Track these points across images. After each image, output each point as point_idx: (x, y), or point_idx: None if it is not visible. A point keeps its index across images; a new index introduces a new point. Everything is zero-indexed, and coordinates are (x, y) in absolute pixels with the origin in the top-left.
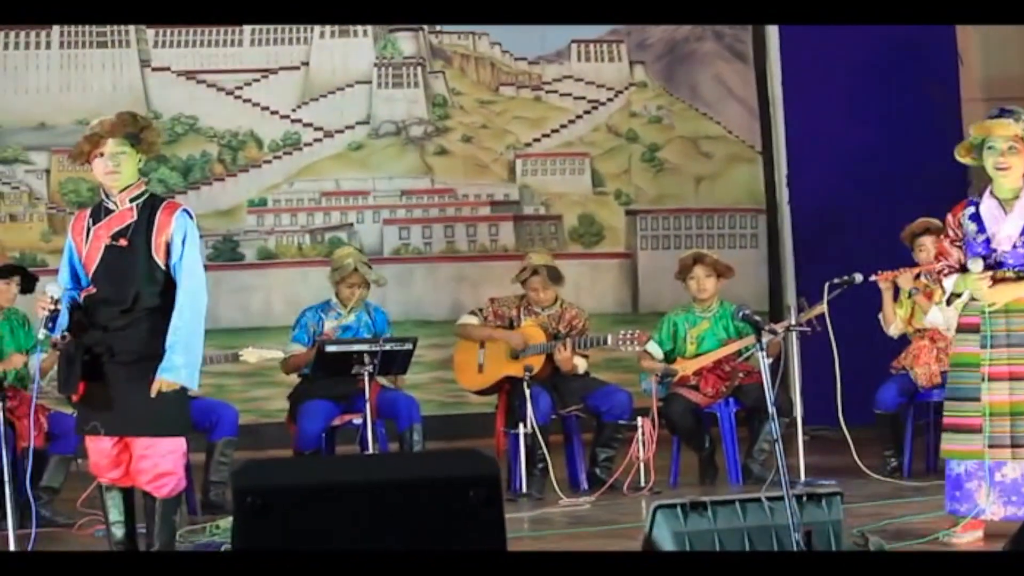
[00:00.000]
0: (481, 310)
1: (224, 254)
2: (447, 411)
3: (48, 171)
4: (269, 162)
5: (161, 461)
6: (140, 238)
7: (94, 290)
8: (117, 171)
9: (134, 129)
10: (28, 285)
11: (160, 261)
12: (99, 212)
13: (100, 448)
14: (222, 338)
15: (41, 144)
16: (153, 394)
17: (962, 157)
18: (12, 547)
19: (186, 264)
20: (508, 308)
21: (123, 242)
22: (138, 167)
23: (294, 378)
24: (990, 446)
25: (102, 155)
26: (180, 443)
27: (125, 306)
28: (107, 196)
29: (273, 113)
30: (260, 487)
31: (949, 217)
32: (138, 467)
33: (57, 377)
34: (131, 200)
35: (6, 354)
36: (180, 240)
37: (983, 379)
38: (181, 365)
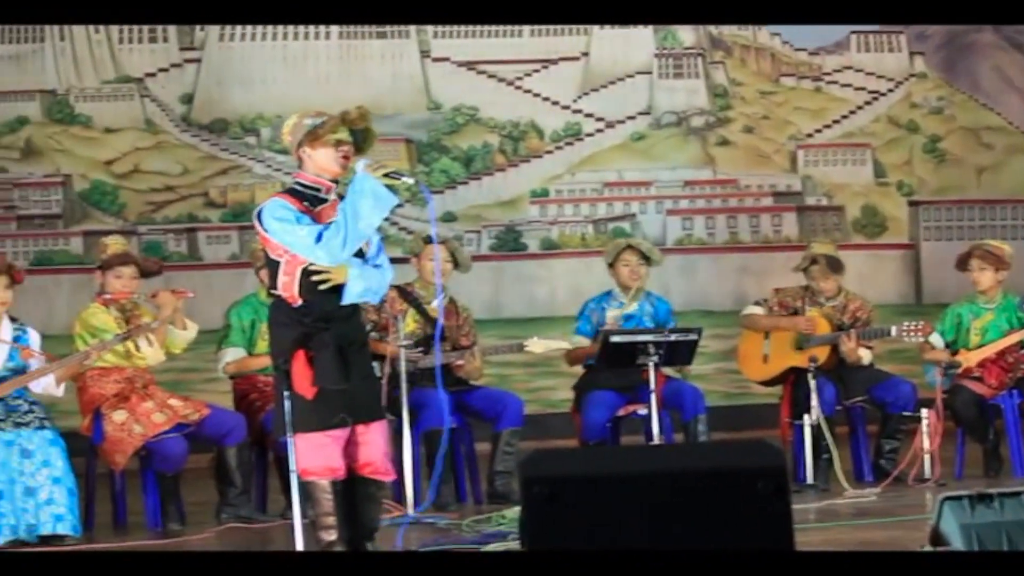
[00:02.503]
0: (766, 300)
1: (507, 244)
2: (731, 402)
3: None
4: (551, 152)
5: (386, 445)
6: None
7: None
8: (348, 161)
9: (363, 125)
10: None
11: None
12: (309, 199)
13: (335, 443)
14: (506, 328)
15: None
16: None
17: None
18: (299, 537)
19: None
20: (792, 299)
21: None
22: None
23: (578, 368)
24: None
25: (340, 142)
26: None
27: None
28: (311, 186)
29: (554, 103)
30: (548, 477)
31: None
32: (366, 453)
33: (323, 371)
34: (336, 193)
35: None
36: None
37: None
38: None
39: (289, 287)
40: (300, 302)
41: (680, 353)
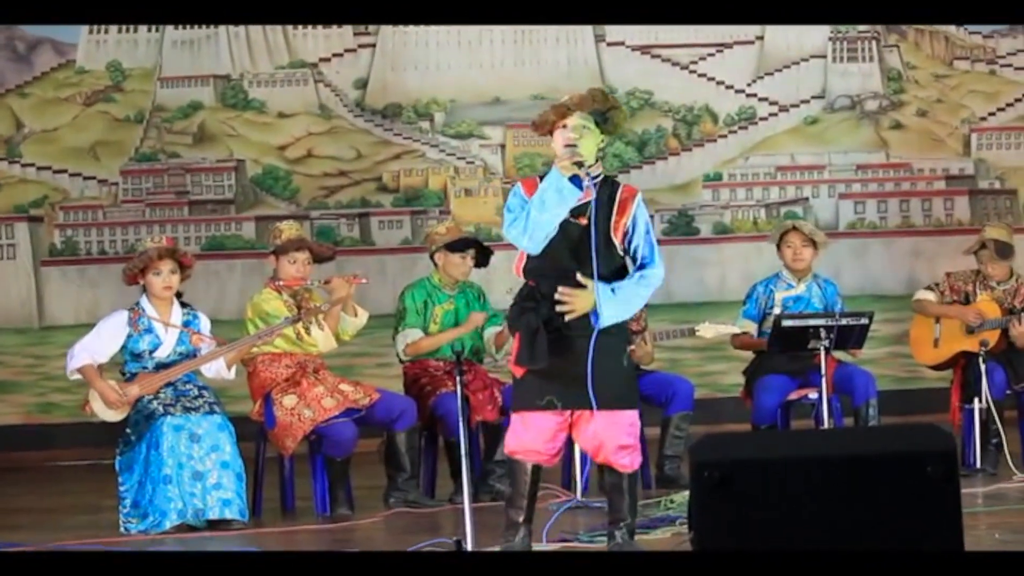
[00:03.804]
0: (937, 284)
1: (679, 228)
2: (902, 386)
3: (503, 146)
4: (724, 136)
5: (622, 435)
6: (601, 218)
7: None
8: (578, 144)
9: (602, 107)
10: (483, 259)
11: (617, 242)
12: None
13: (541, 425)
14: (677, 312)
15: (496, 119)
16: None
17: None
18: (468, 522)
19: (652, 245)
20: (964, 282)
21: (583, 220)
22: (598, 146)
23: (749, 352)
24: None
25: (564, 127)
26: (636, 416)
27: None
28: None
29: (728, 87)
30: (718, 461)
31: None
32: (594, 441)
33: (520, 349)
34: (592, 179)
35: None
36: (643, 228)
37: None
38: (614, 307)
39: (518, 268)
40: (532, 284)
41: (851, 337)
